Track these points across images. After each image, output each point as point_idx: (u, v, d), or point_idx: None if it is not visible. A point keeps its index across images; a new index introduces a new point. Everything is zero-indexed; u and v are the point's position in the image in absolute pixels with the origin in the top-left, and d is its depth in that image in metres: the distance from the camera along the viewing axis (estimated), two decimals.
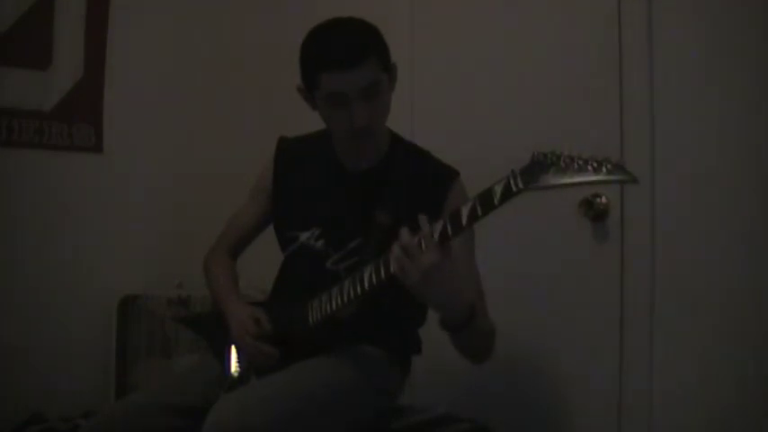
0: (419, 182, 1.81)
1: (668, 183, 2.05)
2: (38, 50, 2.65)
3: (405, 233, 1.48)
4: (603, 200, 2.14)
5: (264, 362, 1.78)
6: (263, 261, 2.05)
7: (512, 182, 1.35)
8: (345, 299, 1.66)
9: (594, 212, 2.15)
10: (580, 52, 2.22)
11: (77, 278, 2.72)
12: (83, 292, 2.72)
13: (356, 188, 1.85)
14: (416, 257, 1.46)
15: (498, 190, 1.37)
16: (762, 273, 1.91)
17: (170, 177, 2.94)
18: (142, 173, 2.88)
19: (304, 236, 1.87)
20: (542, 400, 2.27)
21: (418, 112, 2.51)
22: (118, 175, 2.82)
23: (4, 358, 2.56)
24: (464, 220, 1.43)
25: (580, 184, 1.30)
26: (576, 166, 1.29)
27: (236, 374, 1.85)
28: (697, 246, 2.01)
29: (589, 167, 1.28)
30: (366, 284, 1.61)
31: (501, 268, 2.14)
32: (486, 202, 1.40)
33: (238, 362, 1.86)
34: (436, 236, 1.46)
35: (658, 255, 2.06)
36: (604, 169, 1.27)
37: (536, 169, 1.33)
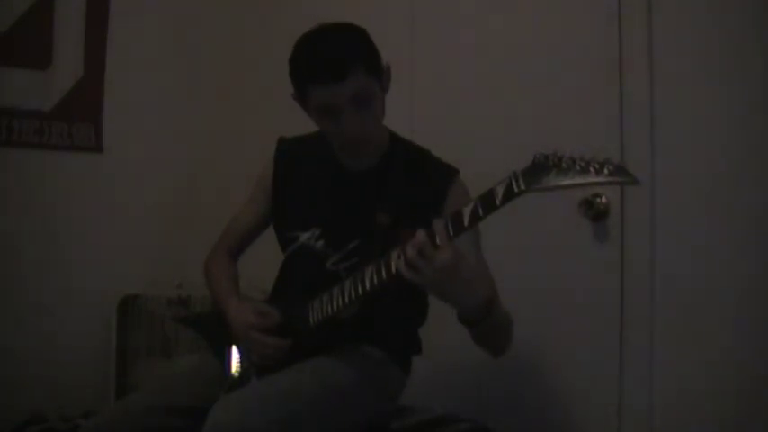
0: (419, 181, 1.81)
1: (668, 183, 2.05)
2: (38, 50, 2.65)
3: (420, 233, 1.46)
4: (603, 200, 2.14)
5: (273, 354, 1.77)
6: (263, 261, 2.05)
7: (513, 183, 1.36)
8: (346, 299, 1.66)
9: (594, 212, 2.15)
10: (580, 52, 2.22)
11: (77, 278, 2.72)
12: (83, 292, 2.72)
13: (356, 188, 1.85)
14: (431, 257, 1.45)
15: (500, 191, 1.37)
16: (762, 273, 1.91)
17: (170, 177, 2.94)
18: (142, 173, 2.88)
19: (304, 236, 1.87)
20: (542, 400, 2.27)
21: (418, 112, 2.51)
22: (118, 175, 2.82)
23: (4, 358, 2.56)
24: (466, 221, 1.43)
25: (582, 185, 1.30)
26: (577, 167, 1.29)
27: (236, 374, 1.85)
28: (697, 246, 2.01)
29: (591, 169, 1.28)
30: (367, 285, 1.60)
31: (501, 268, 2.13)
32: (487, 203, 1.40)
33: (239, 362, 1.86)
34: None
35: (658, 255, 2.06)
36: (606, 171, 1.28)
37: (538, 170, 1.33)
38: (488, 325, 1.59)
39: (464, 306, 1.56)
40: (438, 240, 1.45)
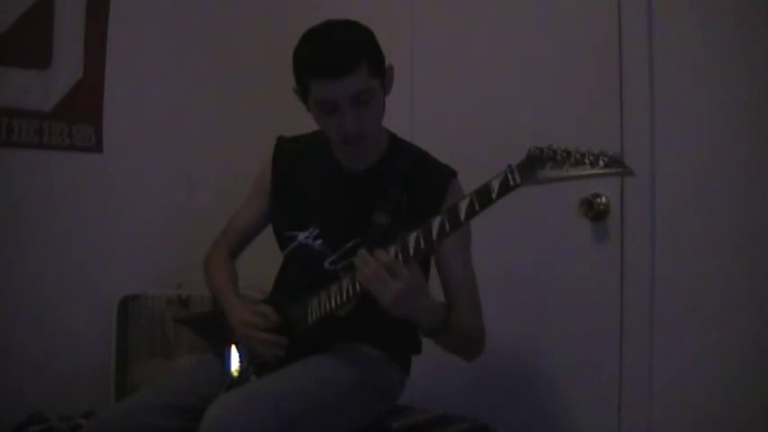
0: (417, 182, 1.81)
1: (668, 183, 2.04)
2: (38, 50, 2.65)
3: (381, 255, 1.52)
4: (603, 200, 2.14)
5: (272, 352, 1.77)
6: (263, 261, 2.05)
7: (509, 176, 1.36)
8: (344, 297, 1.66)
9: (594, 212, 2.15)
10: (580, 52, 2.22)
11: (77, 278, 2.71)
12: (83, 292, 2.72)
13: (354, 188, 1.85)
14: (388, 281, 1.50)
15: (496, 185, 1.38)
16: (762, 273, 1.90)
17: (170, 177, 2.94)
18: (142, 173, 2.88)
19: (302, 235, 1.87)
20: (542, 400, 2.27)
21: (418, 112, 2.51)
22: (118, 175, 2.82)
23: (4, 358, 2.56)
24: (462, 216, 1.44)
25: (577, 177, 1.30)
26: (572, 159, 1.30)
27: (235, 374, 1.85)
28: (697, 246, 2.01)
29: (586, 161, 1.29)
30: None
31: (501, 268, 2.14)
32: (483, 197, 1.40)
33: (238, 362, 1.86)
34: (434, 235, 1.48)
35: (658, 255, 2.06)
36: (601, 162, 1.28)
37: (533, 163, 1.34)
38: (447, 338, 1.65)
39: (416, 322, 1.63)
40: (392, 267, 1.50)
